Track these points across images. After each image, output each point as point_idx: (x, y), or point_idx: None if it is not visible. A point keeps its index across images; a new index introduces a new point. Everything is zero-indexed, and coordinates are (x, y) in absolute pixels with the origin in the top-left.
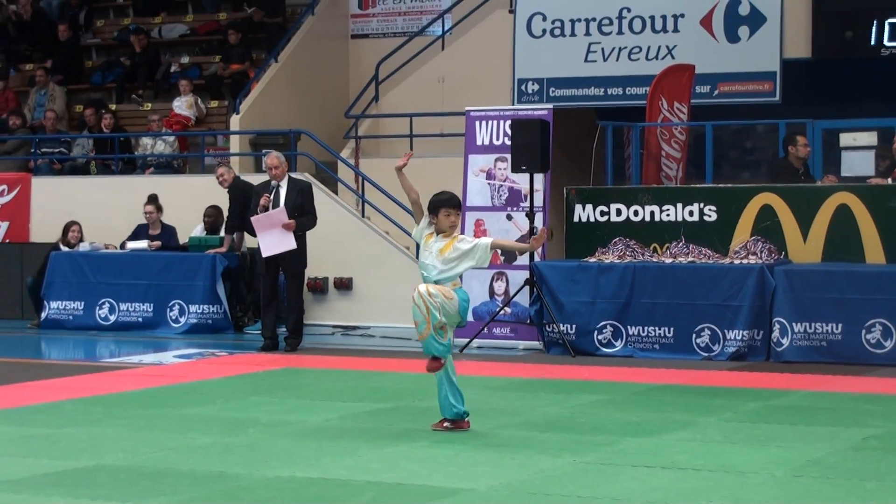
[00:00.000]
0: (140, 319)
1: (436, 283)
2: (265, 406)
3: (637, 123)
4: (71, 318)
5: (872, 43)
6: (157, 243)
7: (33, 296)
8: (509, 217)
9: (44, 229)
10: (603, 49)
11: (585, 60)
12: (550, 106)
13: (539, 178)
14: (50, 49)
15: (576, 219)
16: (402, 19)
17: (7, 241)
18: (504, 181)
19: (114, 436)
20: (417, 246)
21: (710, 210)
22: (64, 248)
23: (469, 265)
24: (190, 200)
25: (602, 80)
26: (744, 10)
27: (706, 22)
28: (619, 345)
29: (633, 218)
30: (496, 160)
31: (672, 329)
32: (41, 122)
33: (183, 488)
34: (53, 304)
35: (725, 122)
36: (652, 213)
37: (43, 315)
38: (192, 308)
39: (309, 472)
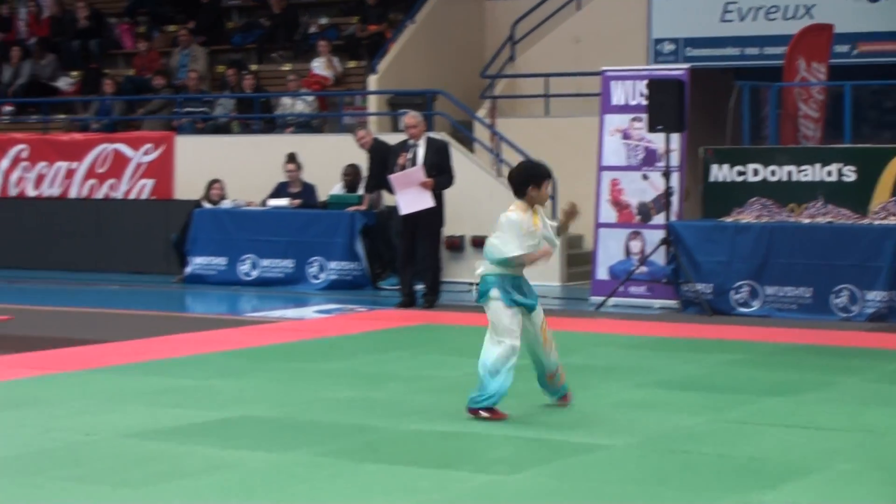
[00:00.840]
0: (281, 275)
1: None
2: (404, 361)
3: (775, 83)
4: (214, 273)
5: None
6: (298, 201)
7: (177, 251)
8: (645, 177)
9: (187, 187)
10: (740, 9)
11: (722, 20)
12: (687, 66)
13: (675, 138)
14: (192, 11)
15: (712, 178)
16: None
17: (152, 198)
18: (640, 141)
19: (258, 388)
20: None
21: (849, 170)
22: (207, 205)
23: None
24: (329, 159)
25: (739, 39)
26: None
27: None
28: (756, 305)
29: (769, 178)
30: (632, 120)
31: (810, 289)
32: (184, 83)
33: (326, 440)
34: (197, 260)
35: (865, 82)
36: (789, 173)
37: (187, 270)
38: (332, 265)
39: (448, 427)
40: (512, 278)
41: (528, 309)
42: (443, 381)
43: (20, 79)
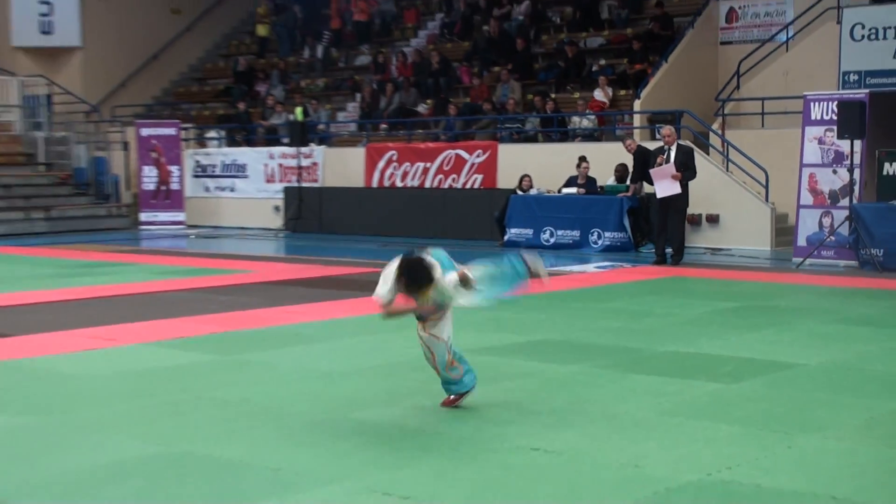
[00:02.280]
0: (570, 241)
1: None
2: (657, 302)
3: None
4: (523, 239)
5: None
6: (583, 189)
7: (499, 224)
8: (834, 171)
9: (506, 180)
10: None
11: (894, 57)
12: (867, 91)
13: (857, 143)
14: (510, 56)
15: (884, 173)
16: (757, 30)
17: (482, 187)
18: (831, 145)
19: (554, 320)
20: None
21: None
22: (519, 193)
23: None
24: (605, 160)
25: None
26: None
27: None
28: None
29: None
30: (825, 130)
31: None
32: (504, 106)
33: (601, 356)
34: (512, 231)
35: None
36: None
37: (505, 237)
38: (607, 234)
39: (689, 349)
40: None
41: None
42: (686, 316)
43: (392, 105)
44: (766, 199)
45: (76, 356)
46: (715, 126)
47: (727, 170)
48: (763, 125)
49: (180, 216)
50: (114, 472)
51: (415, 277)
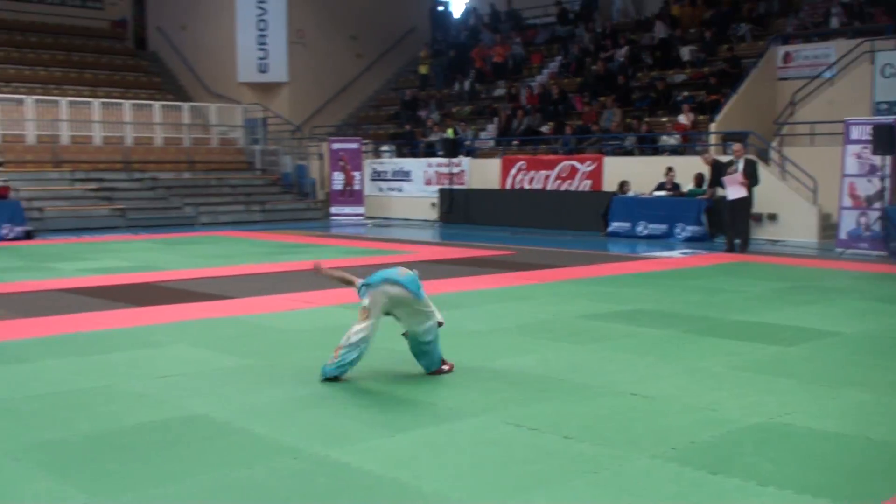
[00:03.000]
0: (659, 233)
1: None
2: (729, 282)
3: None
4: (622, 231)
5: None
6: (671, 192)
7: (603, 219)
8: (869, 180)
9: (609, 184)
10: None
11: None
12: (894, 117)
13: (888, 158)
14: (613, 89)
15: None
16: (807, 69)
17: (590, 190)
18: (867, 160)
19: (646, 294)
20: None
21: None
22: (619, 195)
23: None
24: (687, 170)
25: None
26: None
27: None
28: None
29: None
30: (862, 147)
31: None
32: (608, 128)
33: (684, 323)
34: (614, 224)
35: None
36: None
37: (608, 229)
38: (688, 227)
39: (755, 318)
40: None
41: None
42: (751, 293)
43: (522, 126)
44: (815, 202)
45: (283, 314)
46: (774, 144)
47: (783, 178)
48: (812, 143)
49: (360, 210)
50: (314, 400)
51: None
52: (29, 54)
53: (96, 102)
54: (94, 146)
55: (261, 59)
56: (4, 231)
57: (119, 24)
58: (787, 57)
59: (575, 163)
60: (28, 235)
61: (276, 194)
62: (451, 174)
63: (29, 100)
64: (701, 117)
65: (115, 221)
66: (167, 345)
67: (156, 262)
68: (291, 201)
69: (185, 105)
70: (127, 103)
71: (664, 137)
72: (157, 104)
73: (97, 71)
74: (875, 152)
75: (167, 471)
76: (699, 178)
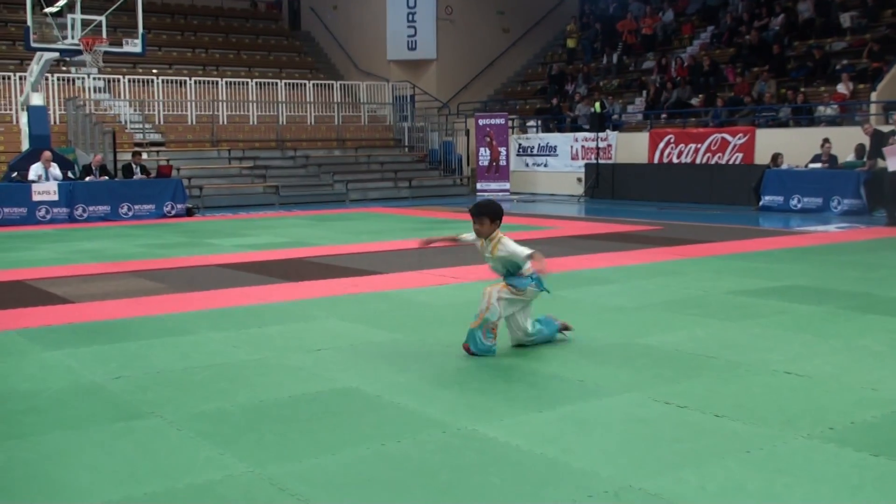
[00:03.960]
0: (814, 207)
1: (505, 277)
2: (889, 257)
3: None
4: (776, 205)
5: None
6: (827, 164)
7: (755, 193)
8: None
9: (761, 157)
10: None
11: None
12: None
13: None
14: (768, 59)
15: None
16: None
17: (742, 163)
18: None
19: (802, 270)
20: None
21: None
22: (772, 167)
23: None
24: (845, 141)
25: None
26: None
27: None
28: None
29: None
30: None
31: None
32: (762, 99)
33: (842, 299)
34: (766, 198)
35: None
36: None
37: (761, 203)
38: (846, 201)
39: None
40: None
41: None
42: None
43: (671, 99)
44: None
45: (430, 290)
46: None
47: None
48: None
49: (506, 185)
50: (461, 375)
51: (481, 207)
52: (190, 37)
53: (252, 83)
54: (249, 126)
55: (410, 36)
56: (167, 208)
57: (274, 6)
58: None
59: (726, 135)
60: (189, 212)
61: (424, 171)
62: (598, 149)
63: (190, 81)
64: (861, 86)
65: (269, 199)
66: (320, 319)
67: (308, 238)
68: (438, 178)
69: (337, 84)
70: (281, 83)
71: (821, 108)
72: (309, 83)
73: (253, 52)
74: None
75: (322, 441)
76: (860, 150)
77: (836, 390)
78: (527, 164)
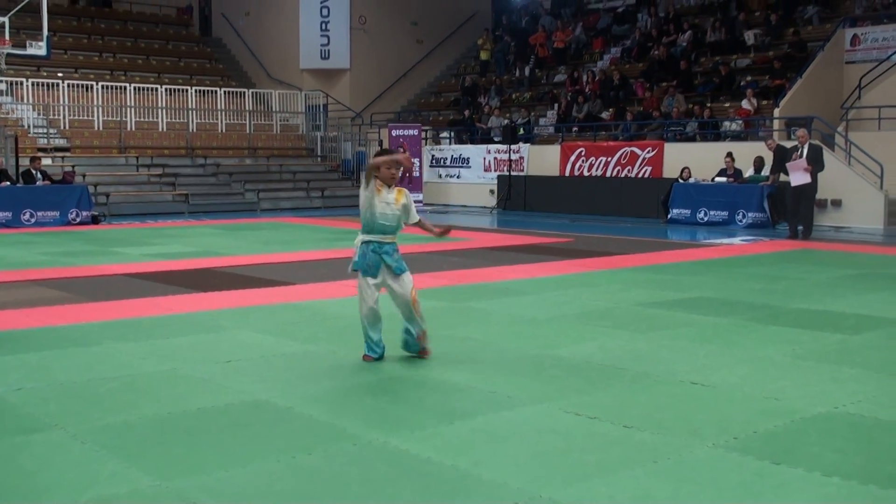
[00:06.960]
0: (720, 220)
1: (394, 230)
2: (791, 269)
3: None
4: (683, 218)
5: None
6: (732, 179)
7: (664, 206)
8: None
9: (670, 171)
10: None
11: None
12: None
13: None
14: (675, 74)
15: None
16: (875, 52)
17: (650, 177)
18: None
19: (707, 281)
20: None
21: None
22: (680, 181)
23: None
24: (749, 156)
25: None
26: None
27: None
28: None
29: None
30: None
31: None
32: (669, 112)
33: (746, 311)
34: (674, 211)
35: None
36: None
37: (668, 216)
38: (749, 214)
39: (818, 306)
40: (376, 244)
41: (394, 272)
42: (815, 280)
43: (581, 112)
44: (881, 188)
45: (344, 300)
46: (840, 129)
47: (849, 164)
48: (879, 128)
49: (420, 196)
50: (374, 387)
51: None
52: (98, 41)
53: (162, 89)
54: (159, 132)
55: (323, 45)
56: (72, 215)
57: (185, 11)
58: (854, 39)
59: (635, 149)
60: (94, 220)
61: (336, 181)
62: (510, 161)
63: (97, 86)
64: (765, 102)
65: (179, 207)
66: (229, 330)
67: (218, 247)
68: (351, 188)
69: (249, 91)
70: (191, 89)
71: (727, 123)
72: (220, 90)
73: (163, 57)
74: None
75: (231, 454)
76: (758, 163)
77: (740, 400)
78: (440, 176)
